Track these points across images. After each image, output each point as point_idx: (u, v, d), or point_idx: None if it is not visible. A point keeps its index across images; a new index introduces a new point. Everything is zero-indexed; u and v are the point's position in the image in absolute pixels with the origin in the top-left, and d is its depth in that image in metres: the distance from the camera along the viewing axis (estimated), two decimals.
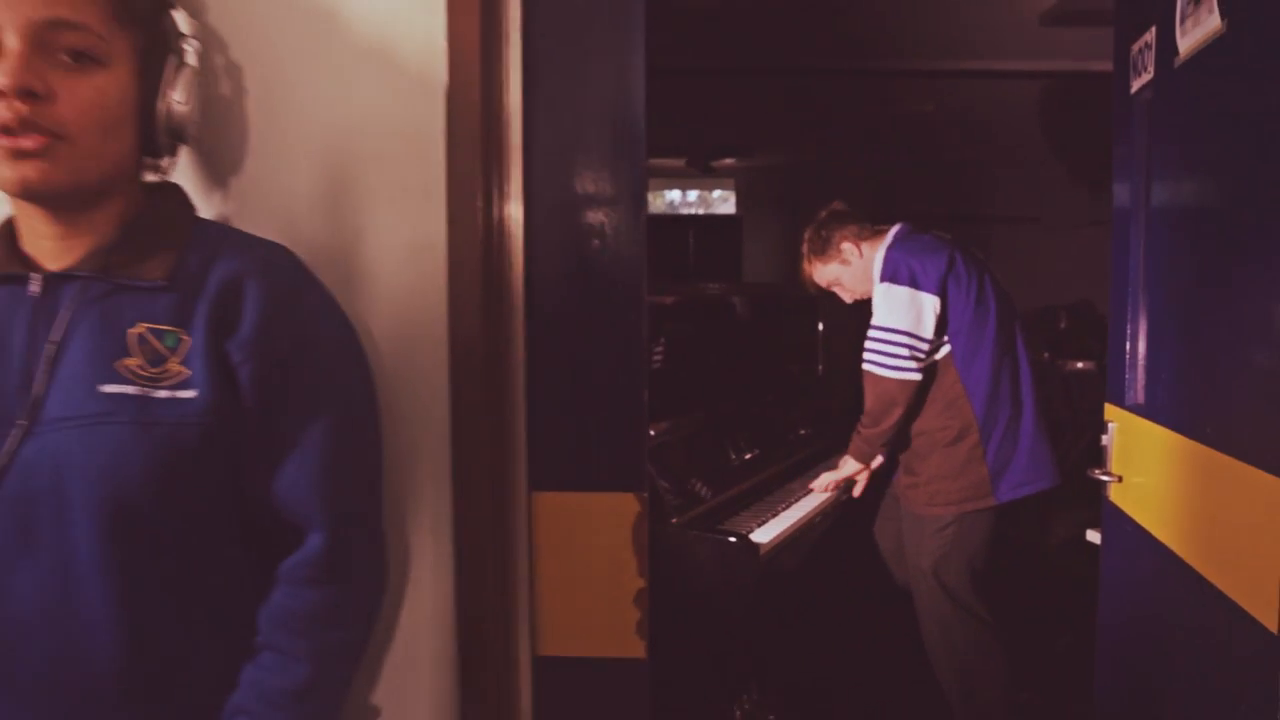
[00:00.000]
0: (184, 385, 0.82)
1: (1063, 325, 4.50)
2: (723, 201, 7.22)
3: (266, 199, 1.03)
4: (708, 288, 3.16)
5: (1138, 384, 1.83)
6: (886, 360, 2.19)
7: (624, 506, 1.11)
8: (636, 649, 1.13)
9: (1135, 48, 1.86)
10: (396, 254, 1.04)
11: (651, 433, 2.11)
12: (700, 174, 6.95)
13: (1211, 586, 1.42)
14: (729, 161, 6.74)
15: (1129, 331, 1.86)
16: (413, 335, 1.04)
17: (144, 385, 0.81)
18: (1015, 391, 2.22)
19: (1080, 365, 3.89)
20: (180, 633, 0.83)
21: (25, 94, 0.76)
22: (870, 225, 2.43)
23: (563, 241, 1.12)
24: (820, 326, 3.13)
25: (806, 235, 2.46)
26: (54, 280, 0.84)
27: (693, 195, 7.36)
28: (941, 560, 2.19)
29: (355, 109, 1.04)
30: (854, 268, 2.38)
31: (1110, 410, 1.88)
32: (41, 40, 0.77)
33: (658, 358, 2.53)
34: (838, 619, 2.86)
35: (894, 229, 2.35)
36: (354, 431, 0.91)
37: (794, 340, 3.15)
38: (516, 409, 1.10)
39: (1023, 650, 2.52)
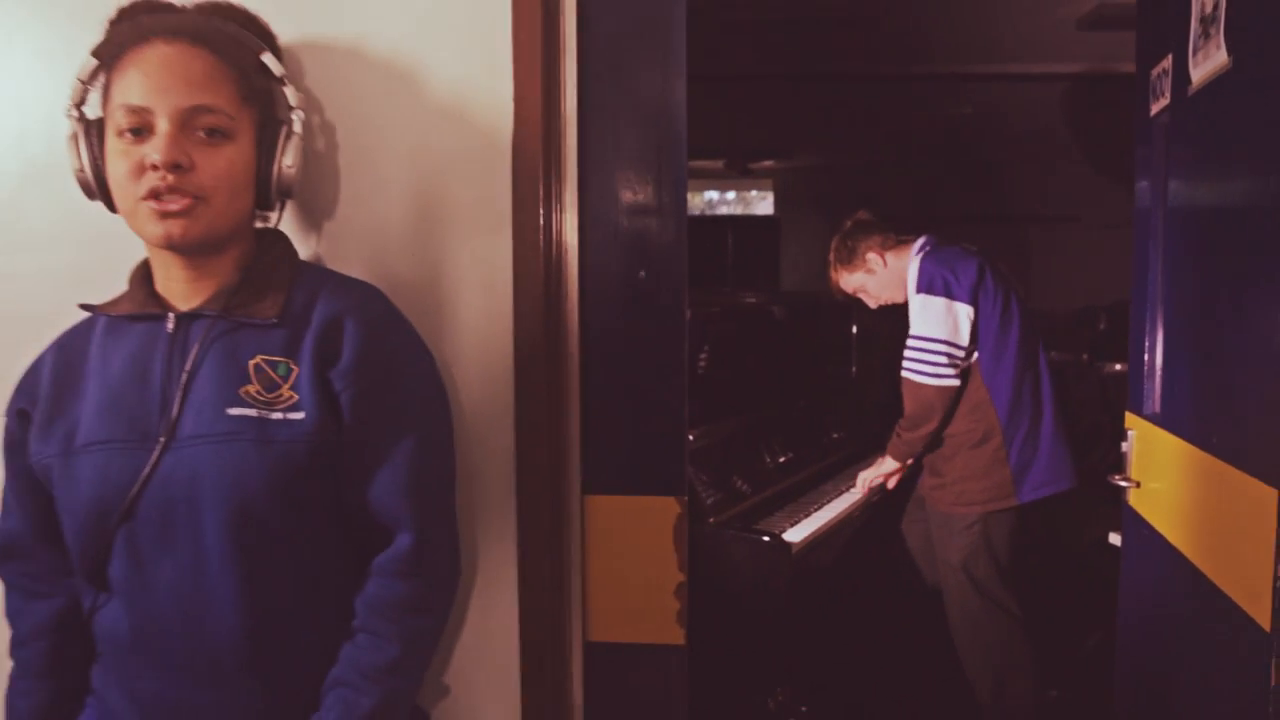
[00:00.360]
0: (294, 408, 0.97)
1: (1102, 326, 4.52)
2: (760, 200, 7.30)
3: (356, 239, 1.19)
4: (747, 297, 3.28)
5: (1155, 394, 1.93)
6: (926, 368, 2.30)
7: (666, 508, 1.25)
8: (677, 637, 1.27)
9: (1155, 72, 1.94)
10: (469, 286, 1.19)
11: (690, 436, 2.25)
12: (738, 176, 7.06)
13: (1215, 587, 1.52)
14: (768, 163, 6.83)
15: (1147, 344, 1.96)
16: (483, 358, 1.19)
17: (261, 409, 0.96)
18: (1037, 398, 2.32)
19: (1119, 368, 3.90)
20: (290, 616, 0.99)
21: (173, 166, 0.92)
22: (895, 235, 2.54)
23: (611, 270, 1.26)
24: (854, 329, 3.24)
25: (833, 244, 2.57)
26: (185, 318, 1.00)
27: (731, 195, 7.44)
28: (970, 556, 2.31)
29: (433, 158, 1.19)
30: (879, 276, 2.49)
31: (1130, 418, 1.97)
32: (185, 122, 0.93)
33: (701, 363, 2.67)
34: (869, 616, 2.98)
35: (919, 240, 2.46)
36: (434, 446, 1.06)
37: (828, 344, 3.26)
38: (571, 422, 1.25)
39: (1053, 648, 2.62)
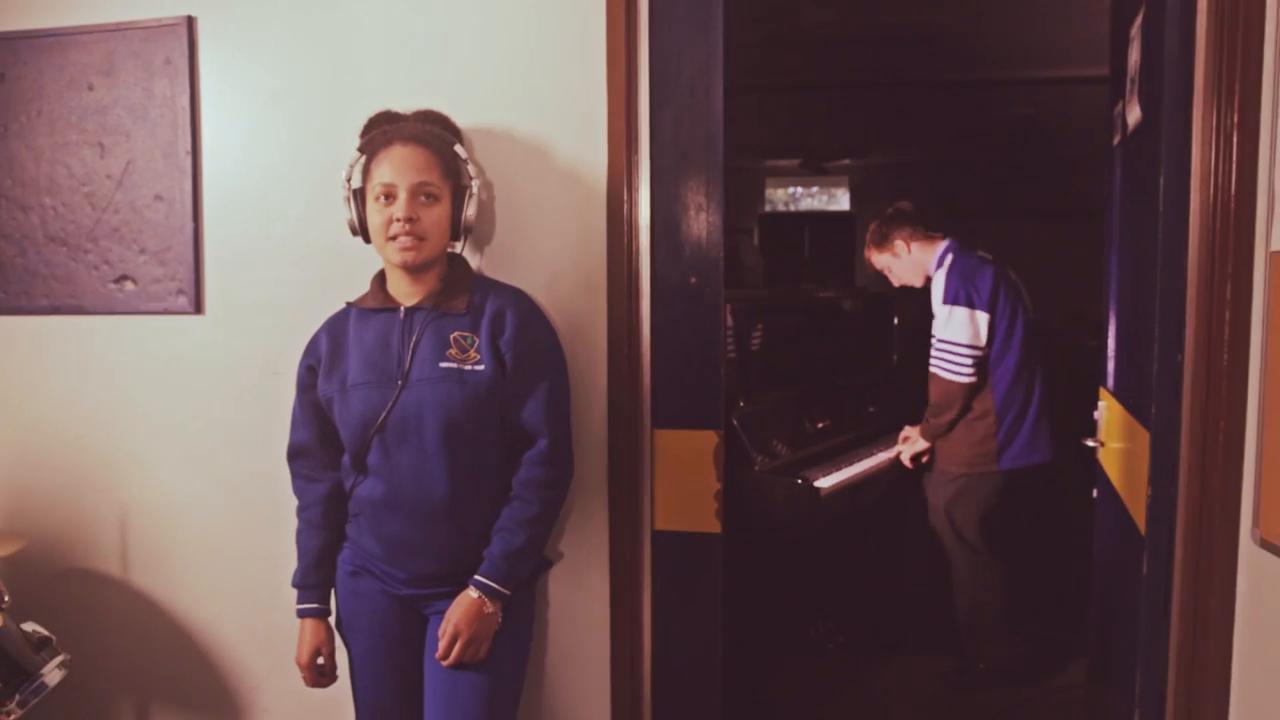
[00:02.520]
0: (478, 364, 1.65)
1: None
2: (842, 194, 7.75)
3: (507, 258, 1.88)
4: (799, 288, 3.89)
5: (1110, 371, 2.48)
6: (951, 367, 2.89)
7: (708, 439, 1.91)
8: (715, 526, 1.92)
9: (1115, 110, 2.51)
10: (577, 287, 1.87)
11: (741, 403, 2.90)
12: (814, 174, 7.61)
13: (1128, 514, 2.10)
14: (844, 162, 7.35)
15: (1109, 330, 2.51)
16: (585, 333, 1.87)
17: (459, 363, 1.65)
18: (1030, 387, 2.89)
19: None
20: (474, 486, 1.67)
21: (408, 220, 1.62)
22: (924, 229, 3.12)
23: (671, 277, 1.91)
24: (896, 321, 3.81)
25: (871, 227, 3.18)
26: (410, 310, 1.69)
27: (816, 189, 7.90)
28: (951, 503, 2.90)
29: (554, 205, 1.86)
30: (903, 260, 3.09)
31: (1101, 391, 2.53)
32: (414, 193, 1.63)
33: (756, 342, 3.31)
34: (894, 558, 3.59)
35: (943, 243, 3.03)
36: (559, 387, 1.73)
37: (872, 333, 3.85)
38: (644, 378, 1.91)
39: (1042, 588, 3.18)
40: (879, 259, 3.17)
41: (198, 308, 2.05)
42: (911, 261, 3.07)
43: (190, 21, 2.01)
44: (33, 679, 1.57)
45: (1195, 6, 1.74)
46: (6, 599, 1.61)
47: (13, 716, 1.51)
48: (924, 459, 3.09)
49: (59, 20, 2.07)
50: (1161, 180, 1.84)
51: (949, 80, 5.82)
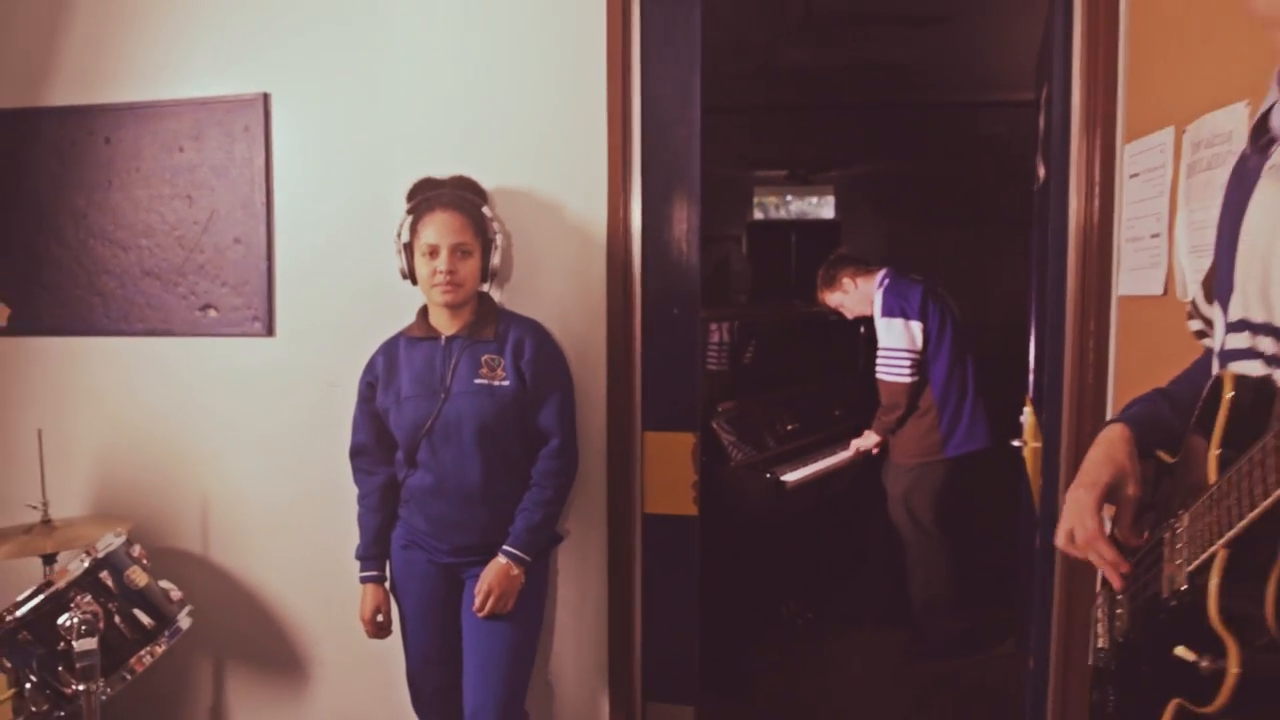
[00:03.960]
0: (504, 380, 2.15)
1: None
2: (827, 205, 8.23)
3: (526, 294, 2.37)
4: (786, 305, 4.40)
5: (1031, 381, 2.99)
6: (894, 370, 3.41)
7: (686, 439, 2.41)
8: (692, 510, 2.42)
9: (1036, 159, 3.00)
10: (580, 315, 2.36)
11: (721, 408, 3.41)
12: (800, 184, 8.11)
13: (1034, 504, 2.59)
14: (830, 173, 7.86)
15: (1030, 347, 3.01)
16: (589, 355, 2.37)
17: (489, 380, 2.14)
18: (963, 383, 3.41)
19: None
20: (502, 476, 2.16)
21: (450, 272, 2.11)
22: (864, 265, 3.65)
23: (658, 308, 2.41)
24: (862, 330, 4.32)
25: (820, 273, 3.70)
26: (449, 339, 2.19)
27: (815, 199, 8.38)
28: (906, 492, 3.42)
29: (564, 251, 2.36)
30: (851, 295, 3.62)
31: (1027, 399, 3.03)
32: (453, 250, 2.12)
33: (749, 356, 3.82)
34: (858, 542, 4.09)
35: (880, 273, 3.56)
36: (568, 398, 2.23)
37: (842, 343, 4.36)
38: (636, 389, 2.41)
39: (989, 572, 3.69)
40: (831, 298, 3.70)
41: (270, 331, 2.54)
42: (858, 294, 3.61)
43: (265, 97, 2.50)
44: (172, 623, 2.06)
45: (1070, 94, 2.25)
46: (147, 562, 2.09)
47: (162, 648, 2.00)
48: (875, 451, 3.60)
49: (156, 94, 2.55)
50: (1050, 231, 2.35)
51: (922, 102, 6.35)
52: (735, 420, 3.43)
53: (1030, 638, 2.51)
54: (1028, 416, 2.99)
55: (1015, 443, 2.95)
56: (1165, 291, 1.84)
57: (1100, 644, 1.17)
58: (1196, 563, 0.90)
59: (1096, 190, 2.18)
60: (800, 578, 3.94)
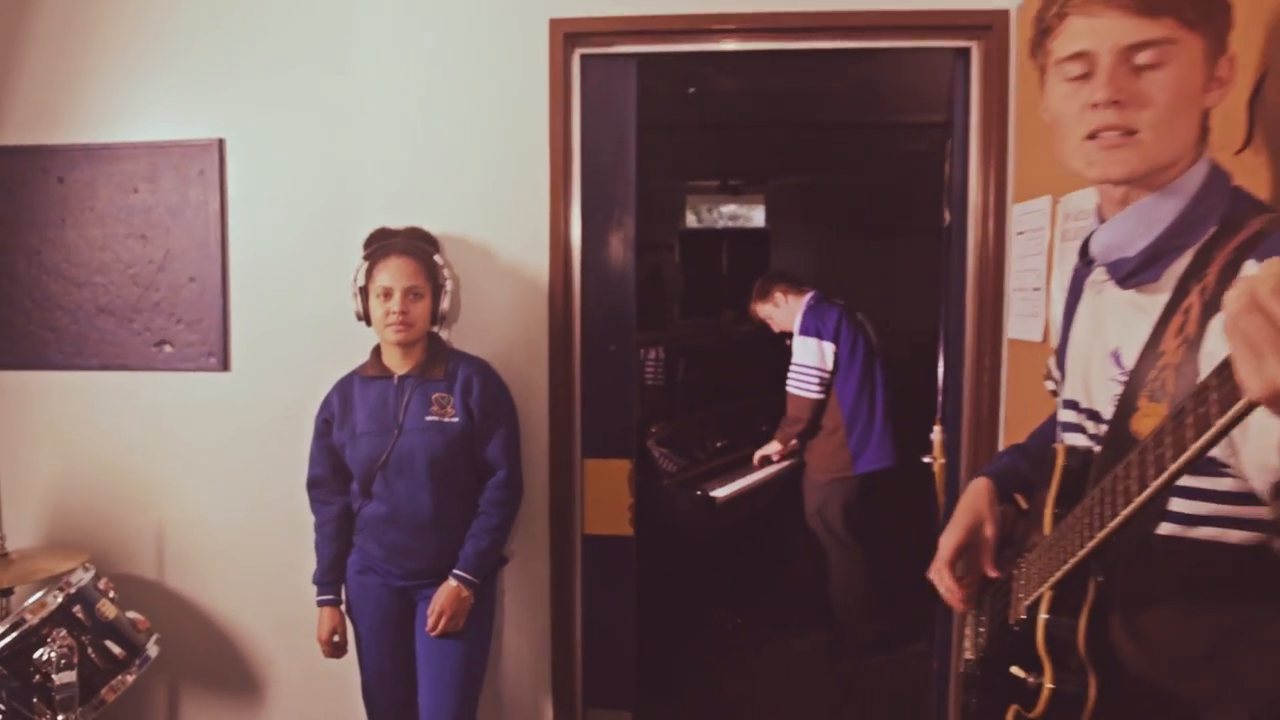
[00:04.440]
0: (453, 417, 2.33)
1: None
2: (757, 214, 8.53)
3: (473, 333, 2.55)
4: (706, 331, 4.64)
5: (939, 403, 3.26)
6: (802, 385, 3.67)
7: (622, 466, 2.62)
8: (629, 531, 2.64)
9: (944, 202, 3.27)
10: (524, 353, 2.55)
11: (654, 429, 3.63)
12: (731, 194, 8.40)
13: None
14: (761, 184, 8.16)
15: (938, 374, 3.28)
16: (532, 389, 2.56)
17: (439, 417, 2.32)
18: (872, 404, 3.69)
19: None
20: (452, 505, 2.34)
21: (403, 313, 2.28)
22: (797, 283, 3.92)
23: (596, 344, 2.61)
24: (788, 343, 4.59)
25: (756, 285, 3.96)
26: (402, 378, 2.35)
27: (734, 207, 8.66)
28: (821, 505, 3.69)
29: (506, 294, 2.55)
30: (781, 309, 3.88)
31: (937, 420, 3.30)
32: (406, 293, 2.29)
33: (681, 373, 4.05)
34: (783, 551, 4.36)
35: (808, 294, 3.83)
36: (513, 432, 2.41)
37: (770, 359, 4.62)
38: (576, 421, 2.61)
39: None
40: (763, 309, 3.96)
41: (225, 366, 2.67)
42: (787, 309, 3.87)
43: (221, 143, 2.63)
44: (141, 652, 2.18)
45: (969, 156, 2.52)
46: (114, 594, 2.22)
47: (132, 676, 2.12)
48: (775, 457, 3.89)
49: (111, 137, 2.66)
50: (951, 274, 2.62)
51: (846, 122, 6.67)
52: (667, 440, 3.65)
53: (935, 638, 2.79)
54: (937, 435, 3.27)
55: (926, 459, 3.23)
56: (1044, 339, 2.11)
57: (968, 655, 1.41)
58: (1030, 599, 1.14)
59: (990, 242, 2.46)
60: (730, 586, 4.19)
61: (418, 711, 2.36)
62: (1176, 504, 1.03)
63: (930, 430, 3.32)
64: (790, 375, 3.73)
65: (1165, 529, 1.04)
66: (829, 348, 3.66)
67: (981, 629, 1.37)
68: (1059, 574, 1.08)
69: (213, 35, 2.61)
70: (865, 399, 3.69)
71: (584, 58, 2.54)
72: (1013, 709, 1.15)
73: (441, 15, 2.54)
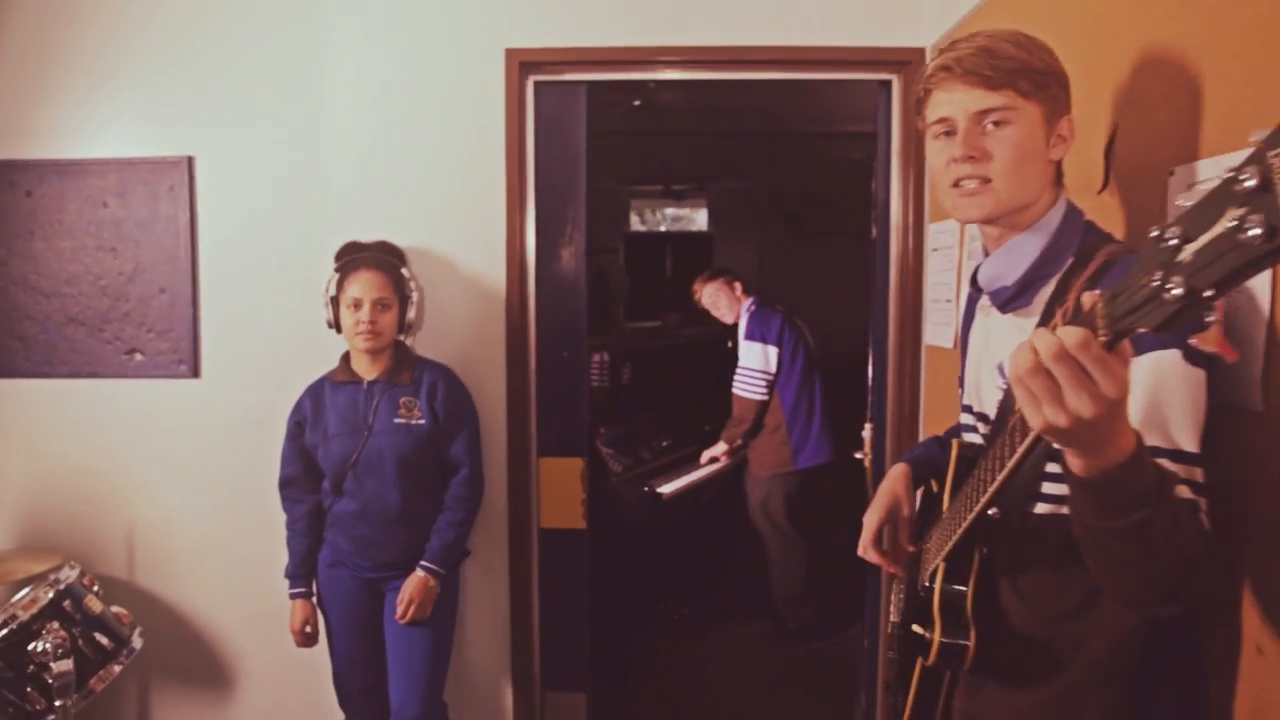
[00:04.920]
0: (420, 420, 2.51)
1: None
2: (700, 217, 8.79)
3: (435, 339, 2.74)
4: (662, 329, 4.88)
5: (870, 402, 3.53)
6: (748, 387, 3.93)
7: (575, 464, 2.83)
8: (582, 524, 2.85)
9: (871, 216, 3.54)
10: (482, 359, 2.75)
11: (604, 430, 3.84)
12: (674, 199, 8.65)
13: None
14: (704, 188, 8.42)
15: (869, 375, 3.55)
16: (491, 393, 2.75)
17: (406, 419, 2.50)
18: (811, 404, 3.96)
19: None
20: (419, 501, 2.52)
21: (372, 323, 2.46)
22: (738, 281, 4.18)
23: (551, 350, 2.82)
24: (730, 344, 4.85)
25: (706, 272, 4.22)
26: (370, 383, 2.53)
27: (678, 210, 8.91)
28: (763, 500, 3.95)
29: (468, 303, 2.74)
30: (723, 297, 4.16)
31: (867, 418, 3.57)
32: (375, 303, 2.47)
33: (627, 376, 4.27)
34: (726, 544, 4.61)
35: (750, 298, 4.09)
36: (474, 432, 2.60)
37: (709, 366, 4.88)
38: (532, 422, 2.81)
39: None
40: (707, 291, 4.22)
41: (195, 373, 2.82)
42: (730, 298, 4.15)
43: (190, 160, 2.77)
44: (128, 643, 2.32)
45: (890, 172, 2.78)
46: (98, 590, 2.35)
47: (119, 666, 2.26)
48: (724, 459, 4.13)
49: (81, 153, 2.78)
50: (877, 285, 2.89)
51: (785, 132, 6.97)
52: (616, 441, 3.87)
53: (865, 622, 3.06)
54: (867, 432, 3.54)
55: (858, 455, 3.50)
56: (954, 346, 2.37)
57: (893, 619, 1.66)
58: (930, 569, 1.38)
59: (910, 257, 2.73)
60: (676, 578, 4.43)
61: (385, 696, 2.54)
62: (1047, 487, 1.27)
63: (862, 428, 3.61)
64: (736, 378, 3.98)
65: (1041, 508, 1.28)
66: (773, 351, 3.92)
67: (900, 596, 1.61)
68: (947, 549, 1.32)
69: (184, 56, 2.75)
70: (805, 399, 3.96)
71: (537, 84, 2.74)
72: (919, 661, 1.39)
73: (406, 45, 2.72)
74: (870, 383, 3.46)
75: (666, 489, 3.81)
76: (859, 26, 2.64)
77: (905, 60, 2.65)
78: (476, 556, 2.80)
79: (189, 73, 2.76)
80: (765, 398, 3.93)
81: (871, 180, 3.05)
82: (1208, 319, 0.73)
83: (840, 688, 3.71)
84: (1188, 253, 0.72)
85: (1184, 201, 0.74)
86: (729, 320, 4.17)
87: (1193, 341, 1.12)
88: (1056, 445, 0.94)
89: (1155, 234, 0.74)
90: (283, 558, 2.59)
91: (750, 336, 3.97)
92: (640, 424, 4.11)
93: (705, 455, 4.16)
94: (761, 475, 3.99)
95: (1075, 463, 0.94)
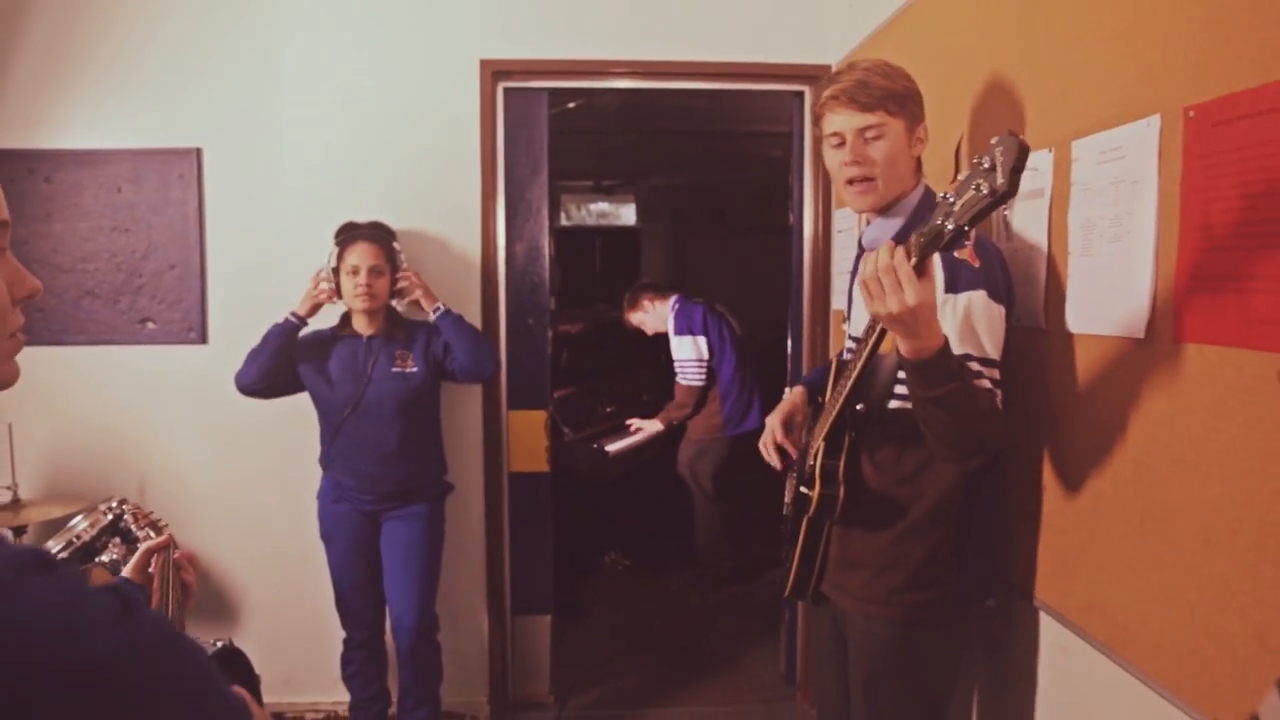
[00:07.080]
0: (414, 369, 3.01)
1: None
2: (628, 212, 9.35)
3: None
4: (597, 310, 5.45)
5: (789, 371, 4.15)
6: (689, 376, 4.51)
7: (540, 415, 3.38)
8: (545, 468, 3.39)
9: (789, 204, 4.17)
10: (467, 305, 3.28)
11: (558, 394, 4.39)
12: (604, 194, 9.21)
13: None
14: (632, 184, 8.99)
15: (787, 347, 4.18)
16: None
17: (401, 369, 3.01)
18: (743, 379, 4.58)
19: None
20: (414, 440, 2.99)
21: (369, 285, 2.97)
22: (660, 290, 4.76)
23: (519, 317, 3.35)
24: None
25: (626, 297, 4.79)
26: (369, 338, 3.03)
27: (606, 205, 9.45)
28: (692, 460, 4.56)
29: (447, 270, 3.26)
30: (650, 314, 4.71)
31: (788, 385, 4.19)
32: (369, 270, 2.97)
33: (565, 359, 4.82)
34: (664, 504, 5.21)
35: (674, 297, 4.67)
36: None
37: (648, 340, 5.47)
38: (502, 379, 3.34)
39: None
40: (634, 316, 4.79)
41: (203, 339, 3.27)
42: (656, 314, 4.71)
43: (199, 151, 3.22)
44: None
45: (803, 170, 3.41)
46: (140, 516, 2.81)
47: None
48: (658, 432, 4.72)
49: (98, 144, 3.20)
50: (793, 262, 3.51)
51: (710, 131, 7.60)
52: (566, 405, 4.43)
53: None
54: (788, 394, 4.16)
55: None
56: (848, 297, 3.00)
57: (787, 500, 2.24)
58: (814, 448, 1.97)
59: (820, 239, 3.35)
60: (619, 532, 5.00)
61: (383, 611, 3.05)
62: (898, 389, 1.85)
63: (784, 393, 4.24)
64: (678, 370, 4.53)
65: (893, 405, 1.86)
66: (701, 340, 4.50)
67: (791, 481, 2.20)
68: (826, 427, 1.91)
69: (194, 55, 3.21)
70: (738, 375, 4.56)
71: (507, 90, 3.28)
72: (805, 519, 1.98)
73: (396, 56, 3.23)
74: (789, 350, 4.08)
75: (612, 447, 4.38)
76: (778, 46, 3.25)
77: (815, 75, 3.27)
78: (456, 496, 3.32)
79: (199, 70, 3.21)
80: (704, 383, 4.50)
81: (789, 176, 3.66)
82: (966, 242, 1.35)
83: (761, 626, 4.32)
84: (957, 206, 1.33)
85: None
86: (662, 329, 4.69)
87: (956, 254, 1.71)
88: (890, 331, 1.52)
89: (942, 196, 1.35)
90: (281, 502, 3.10)
91: (679, 332, 4.52)
92: (586, 391, 4.67)
93: (634, 424, 4.70)
94: (694, 438, 4.58)
95: (904, 346, 1.52)
